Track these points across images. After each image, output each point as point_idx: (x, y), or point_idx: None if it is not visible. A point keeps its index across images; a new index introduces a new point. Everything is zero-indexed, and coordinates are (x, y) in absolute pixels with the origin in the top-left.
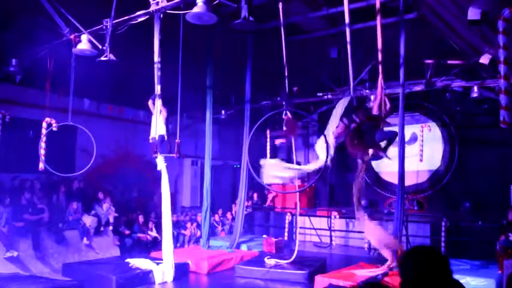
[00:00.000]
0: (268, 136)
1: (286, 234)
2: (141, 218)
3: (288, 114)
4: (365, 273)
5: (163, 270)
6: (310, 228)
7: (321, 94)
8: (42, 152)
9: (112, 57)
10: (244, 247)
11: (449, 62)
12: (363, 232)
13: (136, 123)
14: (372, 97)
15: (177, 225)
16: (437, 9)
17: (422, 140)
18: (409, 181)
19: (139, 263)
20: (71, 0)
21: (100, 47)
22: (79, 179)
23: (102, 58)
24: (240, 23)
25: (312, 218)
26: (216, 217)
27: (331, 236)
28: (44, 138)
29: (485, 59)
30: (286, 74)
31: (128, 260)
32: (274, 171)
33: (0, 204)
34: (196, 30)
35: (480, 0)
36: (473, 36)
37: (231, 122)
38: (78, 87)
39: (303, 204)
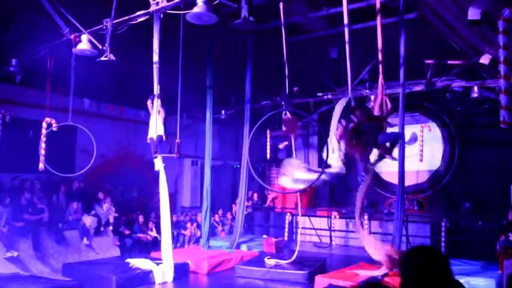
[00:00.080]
0: (268, 136)
1: (286, 234)
2: (141, 218)
3: (288, 114)
4: (365, 273)
5: (163, 270)
6: (310, 228)
7: (321, 94)
8: (42, 152)
9: (112, 57)
10: (244, 247)
11: (449, 62)
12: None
13: (137, 123)
14: (372, 97)
15: (177, 225)
16: (437, 9)
17: (422, 140)
18: (409, 181)
19: (139, 263)
20: (71, 0)
21: (100, 47)
22: (79, 179)
23: (102, 58)
24: (240, 23)
25: (312, 218)
26: (216, 217)
27: (331, 236)
28: (44, 138)
29: (485, 59)
30: (286, 74)
31: (128, 260)
32: (300, 174)
33: (0, 204)
34: (196, 30)
35: (480, 0)
36: (473, 36)
37: (231, 122)
38: (78, 87)
39: (303, 204)
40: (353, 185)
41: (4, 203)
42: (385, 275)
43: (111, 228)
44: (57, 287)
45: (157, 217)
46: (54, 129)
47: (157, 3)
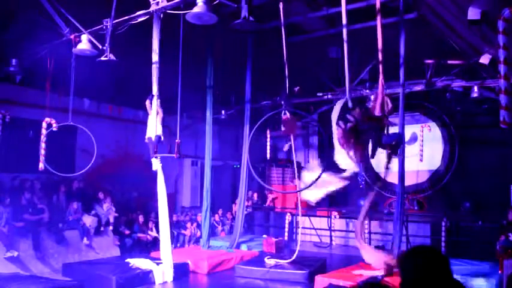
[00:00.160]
0: (268, 136)
1: (286, 234)
2: (141, 218)
3: (287, 114)
4: (365, 273)
5: (163, 270)
6: (310, 228)
7: (321, 94)
8: (42, 152)
9: (112, 57)
10: (244, 247)
11: (449, 62)
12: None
13: (137, 123)
14: (372, 97)
15: (177, 225)
16: (437, 9)
17: (422, 140)
18: (409, 181)
19: (139, 263)
20: (71, 0)
21: (100, 47)
22: (79, 179)
23: (102, 58)
24: (240, 23)
25: (312, 218)
26: (216, 217)
27: (331, 236)
28: (44, 138)
29: (485, 59)
30: (286, 74)
31: (128, 260)
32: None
33: (0, 204)
34: (196, 30)
35: (480, 0)
36: (473, 36)
37: (231, 122)
38: (78, 87)
39: (303, 204)
40: (353, 185)
41: (4, 203)
42: (385, 275)
43: (111, 228)
44: (57, 287)
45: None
46: (54, 129)
47: (157, 3)
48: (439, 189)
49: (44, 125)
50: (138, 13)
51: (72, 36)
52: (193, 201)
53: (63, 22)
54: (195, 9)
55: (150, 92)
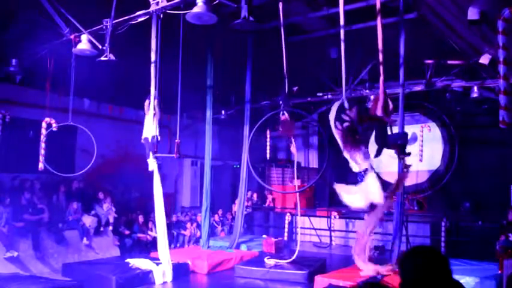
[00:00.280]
0: (268, 136)
1: (286, 234)
2: (141, 218)
3: (286, 114)
4: (365, 273)
5: (163, 270)
6: (310, 228)
7: (321, 94)
8: (42, 152)
9: (112, 57)
10: (244, 247)
11: (449, 62)
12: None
13: (137, 123)
14: (372, 97)
15: (177, 225)
16: (437, 9)
17: (422, 140)
18: (408, 181)
19: (139, 263)
20: (71, 0)
21: (100, 47)
22: (79, 179)
23: (102, 58)
24: (240, 23)
25: (311, 218)
26: (216, 217)
27: (331, 236)
28: (44, 138)
29: (485, 59)
30: (285, 74)
31: (128, 260)
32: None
33: (0, 204)
34: (196, 30)
35: (480, 0)
36: (473, 36)
37: (231, 122)
38: (78, 87)
39: (303, 205)
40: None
41: (4, 203)
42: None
43: (111, 228)
44: (57, 287)
45: None
46: (54, 129)
47: (157, 3)
48: (438, 189)
49: (44, 125)
50: (138, 13)
51: (72, 36)
52: (193, 201)
53: (63, 22)
54: (195, 9)
55: (150, 92)
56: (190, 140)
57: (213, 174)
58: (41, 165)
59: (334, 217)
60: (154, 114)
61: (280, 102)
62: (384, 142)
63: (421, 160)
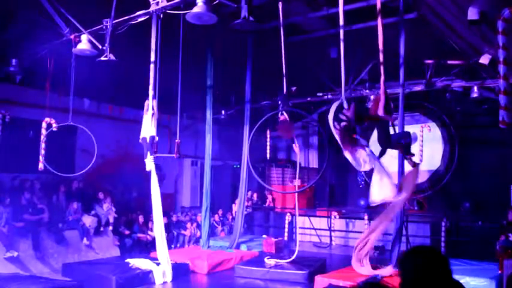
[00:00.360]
0: (268, 136)
1: (286, 234)
2: (141, 218)
3: (285, 114)
4: (365, 273)
5: (163, 270)
6: (310, 228)
7: (321, 94)
8: (42, 152)
9: (112, 57)
10: (244, 247)
11: (449, 62)
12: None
13: (137, 123)
14: (372, 97)
15: (177, 225)
16: (437, 9)
17: (422, 140)
18: None
19: (139, 263)
20: (71, 0)
21: (100, 47)
22: (79, 179)
23: (102, 58)
24: (240, 23)
25: (311, 218)
26: (216, 217)
27: (331, 236)
28: (44, 138)
29: (485, 59)
30: (284, 74)
31: (128, 260)
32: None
33: (0, 204)
34: (196, 30)
35: (480, 0)
36: (473, 36)
37: (231, 122)
38: (78, 87)
39: (303, 205)
40: (353, 185)
41: (4, 203)
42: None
43: (111, 228)
44: (57, 287)
45: None
46: (54, 129)
47: (157, 3)
48: (439, 190)
49: (44, 125)
50: (138, 13)
51: (72, 36)
52: (193, 201)
53: (63, 22)
54: (195, 9)
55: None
56: (190, 140)
57: (213, 174)
58: (41, 165)
59: (334, 217)
60: (153, 114)
61: (279, 102)
62: (387, 142)
63: (421, 160)
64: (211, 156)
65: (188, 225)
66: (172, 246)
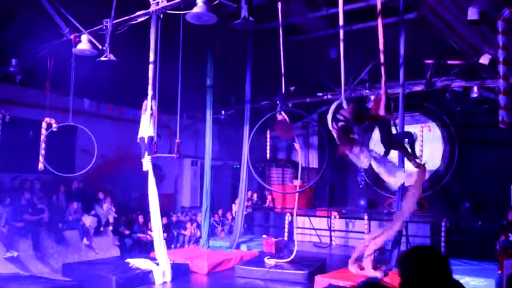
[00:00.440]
0: (268, 136)
1: (286, 234)
2: (141, 218)
3: (283, 114)
4: (365, 273)
5: (163, 270)
6: (309, 228)
7: (320, 94)
8: (42, 152)
9: (112, 57)
10: (244, 247)
11: (449, 62)
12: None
13: (137, 123)
14: (372, 97)
15: (177, 225)
16: (437, 9)
17: (422, 140)
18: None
19: (139, 263)
20: (71, 0)
21: (100, 47)
22: (79, 179)
23: (102, 58)
24: (240, 23)
25: (311, 218)
26: (216, 217)
27: (331, 236)
28: (44, 138)
29: (485, 59)
30: (283, 73)
31: (128, 260)
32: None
33: (0, 204)
34: (196, 30)
35: (480, 0)
36: (473, 36)
37: (231, 122)
38: (78, 87)
39: (303, 205)
40: (353, 185)
41: (4, 203)
42: (385, 274)
43: (111, 228)
44: (57, 287)
45: None
46: (54, 129)
47: (157, 3)
48: (439, 190)
49: (44, 125)
50: (138, 13)
51: (72, 36)
52: (193, 201)
53: (63, 22)
54: (195, 9)
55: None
56: (190, 140)
57: (213, 174)
58: (41, 165)
59: (334, 217)
60: (152, 114)
61: (278, 102)
62: (390, 141)
63: (418, 157)
64: (211, 156)
65: (188, 225)
66: (172, 246)
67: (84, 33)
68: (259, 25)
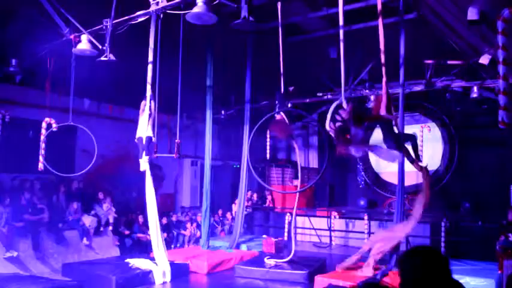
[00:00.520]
0: (268, 136)
1: (286, 234)
2: (140, 218)
3: (282, 114)
4: (365, 273)
5: (163, 271)
6: (309, 228)
7: (320, 94)
8: (42, 152)
9: (112, 57)
10: (244, 247)
11: (449, 62)
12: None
13: (137, 124)
14: (372, 97)
15: (177, 225)
16: (437, 9)
17: (422, 140)
18: (409, 181)
19: (139, 263)
20: (71, 0)
21: (100, 47)
22: (79, 179)
23: (102, 58)
24: (240, 23)
25: (311, 218)
26: (216, 217)
27: (330, 236)
28: (44, 138)
29: (485, 59)
30: (282, 73)
31: (128, 260)
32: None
33: (0, 204)
34: (196, 30)
35: (480, 0)
36: (473, 36)
37: (231, 122)
38: (78, 87)
39: (303, 205)
40: (353, 185)
41: (4, 203)
42: (385, 274)
43: (110, 228)
44: (57, 287)
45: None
46: (54, 129)
47: (157, 3)
48: (438, 190)
49: (44, 125)
50: (138, 13)
51: (72, 36)
52: (193, 201)
53: (63, 22)
54: (195, 9)
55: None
56: (190, 140)
57: (213, 174)
58: (40, 165)
59: (334, 217)
60: (150, 115)
61: (276, 102)
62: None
63: (421, 160)
64: (211, 156)
65: (188, 225)
66: (172, 246)
67: (84, 33)
68: (259, 25)
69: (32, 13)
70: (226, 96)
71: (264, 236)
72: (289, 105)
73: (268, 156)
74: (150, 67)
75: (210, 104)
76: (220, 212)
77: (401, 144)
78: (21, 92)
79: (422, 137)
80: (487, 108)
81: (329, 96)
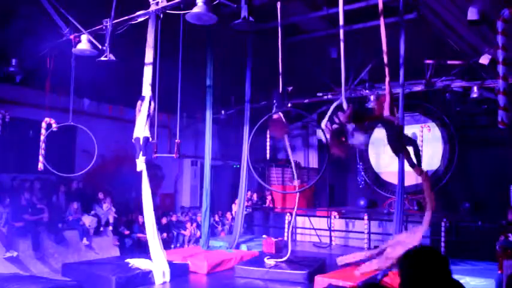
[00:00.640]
0: (268, 136)
1: (286, 234)
2: (140, 218)
3: (280, 114)
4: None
5: (163, 271)
6: (309, 228)
7: (320, 94)
8: (42, 152)
9: (112, 57)
10: (244, 247)
11: (449, 62)
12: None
13: None
14: (372, 97)
15: (177, 225)
16: (437, 9)
17: (422, 140)
18: (408, 181)
19: (139, 263)
20: (71, 0)
21: (100, 47)
22: (78, 179)
23: (102, 58)
24: (240, 23)
25: (311, 218)
26: (216, 217)
27: (330, 236)
28: (43, 138)
29: (485, 60)
30: (280, 73)
31: (128, 260)
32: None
33: (0, 204)
34: (196, 30)
35: (480, 0)
36: (473, 36)
37: (231, 122)
38: (78, 87)
39: (303, 205)
40: (353, 185)
41: (4, 203)
42: (385, 275)
43: (110, 228)
44: (57, 287)
45: (157, 217)
46: (54, 129)
47: (157, 3)
48: (438, 190)
49: (44, 125)
50: (138, 13)
51: (72, 36)
52: (193, 201)
53: (63, 22)
54: (195, 10)
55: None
56: (190, 140)
57: (213, 174)
58: (40, 165)
59: (334, 217)
60: (149, 115)
61: (274, 101)
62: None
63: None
64: (211, 156)
65: (188, 225)
66: (172, 246)
67: (84, 33)
68: (259, 25)
69: (32, 13)
70: (226, 96)
71: (264, 236)
72: (289, 105)
73: (268, 156)
74: (146, 68)
75: (210, 104)
76: (220, 212)
77: (403, 145)
78: (21, 92)
79: (422, 137)
80: (487, 108)
81: (329, 96)
